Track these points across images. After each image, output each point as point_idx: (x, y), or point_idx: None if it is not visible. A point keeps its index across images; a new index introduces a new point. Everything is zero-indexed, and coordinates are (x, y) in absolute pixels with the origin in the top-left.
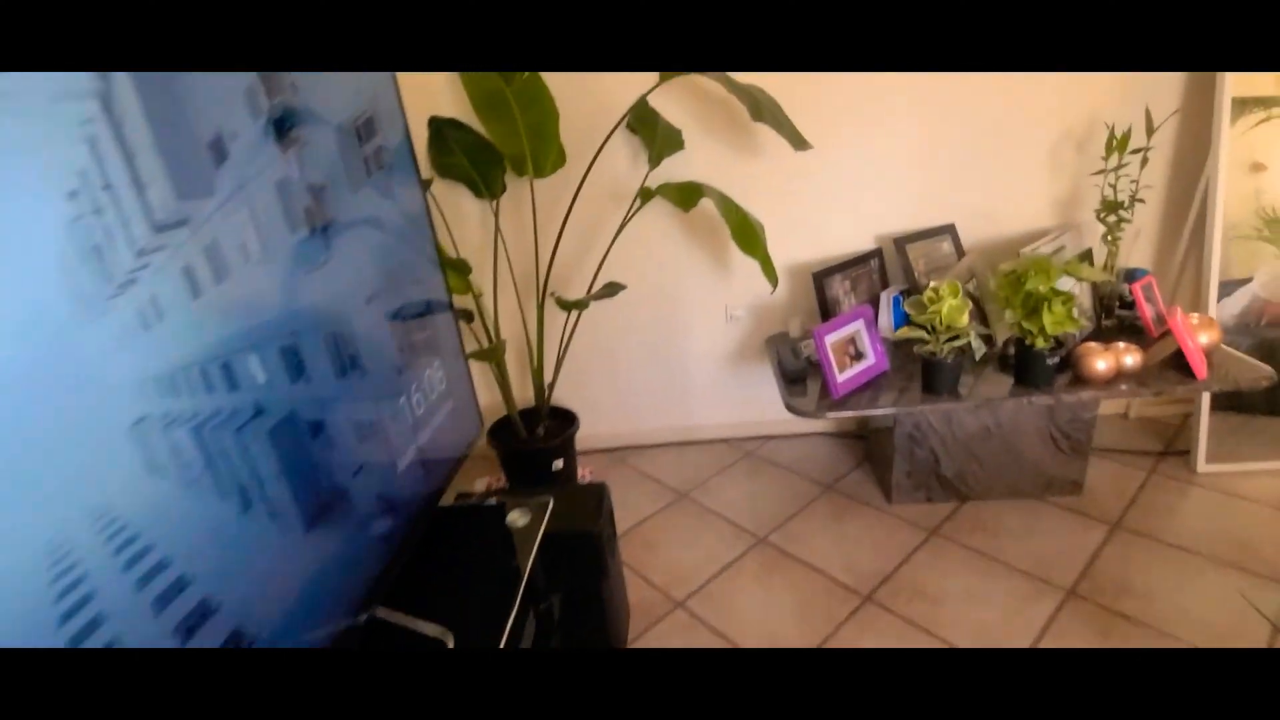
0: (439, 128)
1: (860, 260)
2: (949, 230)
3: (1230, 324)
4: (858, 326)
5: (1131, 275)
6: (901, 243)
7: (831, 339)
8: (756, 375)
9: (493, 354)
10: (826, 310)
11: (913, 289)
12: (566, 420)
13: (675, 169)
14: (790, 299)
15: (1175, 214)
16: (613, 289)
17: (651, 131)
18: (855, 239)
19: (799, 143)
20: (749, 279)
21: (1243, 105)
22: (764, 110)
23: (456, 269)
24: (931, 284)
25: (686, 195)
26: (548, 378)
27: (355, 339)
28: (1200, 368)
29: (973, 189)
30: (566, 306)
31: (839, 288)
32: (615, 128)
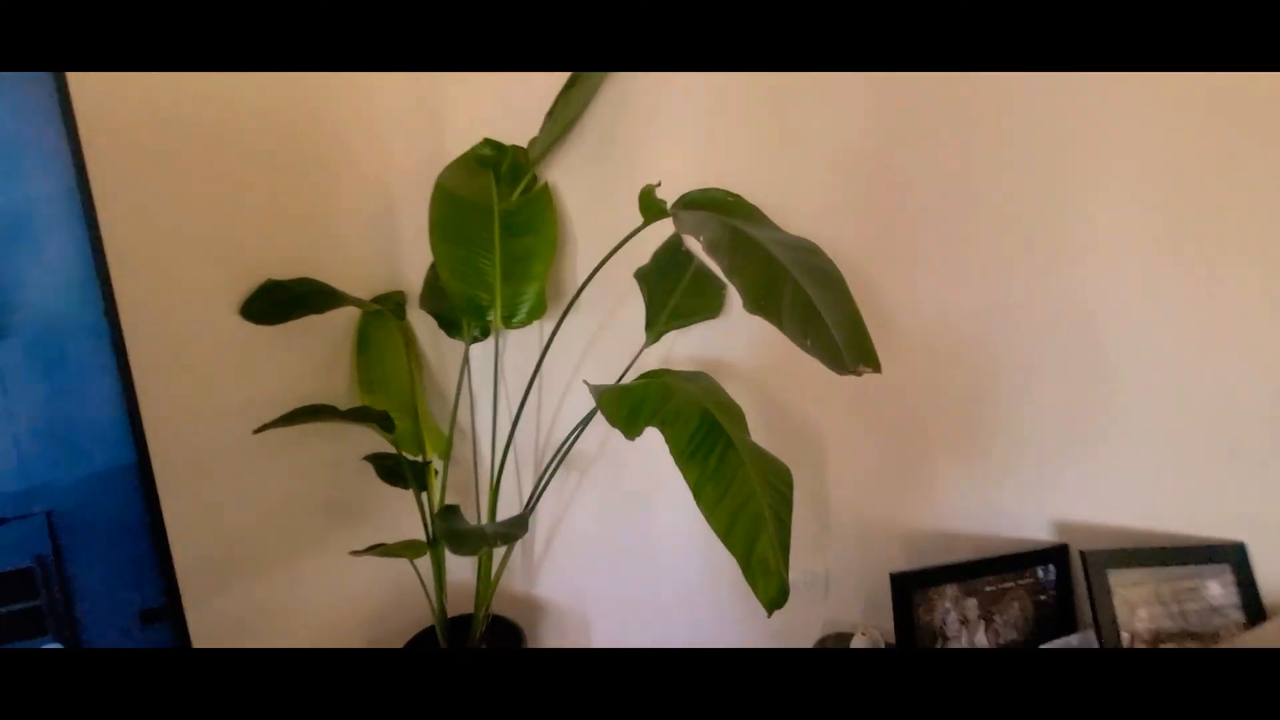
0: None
1: (1016, 563)
2: (1230, 555)
3: None
4: None
5: None
6: (1103, 561)
7: None
8: None
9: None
10: (915, 641)
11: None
12: (509, 635)
13: (698, 345)
14: (878, 582)
15: None
16: (516, 529)
17: (670, 280)
18: (1018, 520)
19: (859, 357)
20: (818, 531)
21: None
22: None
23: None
24: None
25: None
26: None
27: None
28: None
29: None
30: (460, 546)
31: (955, 605)
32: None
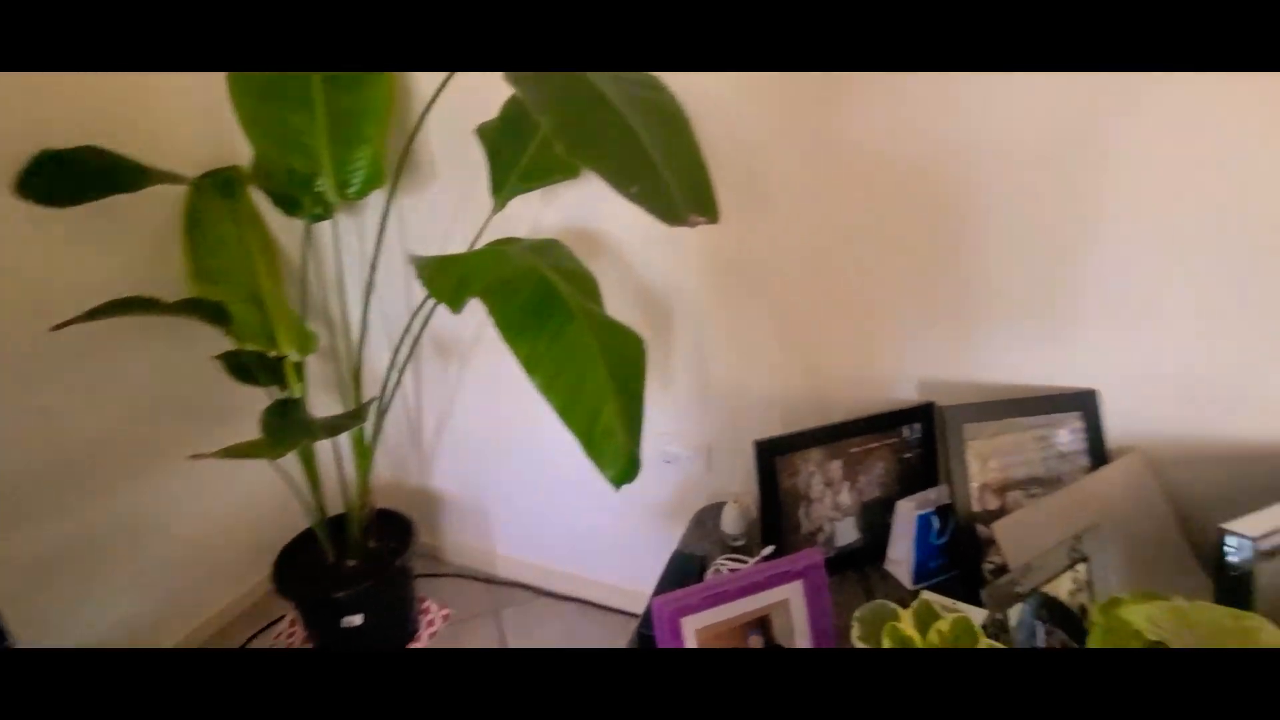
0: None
1: (882, 424)
2: (1081, 403)
3: None
4: (782, 595)
5: None
6: (960, 416)
7: (701, 623)
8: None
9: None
10: (780, 512)
11: (954, 509)
12: (400, 531)
13: (556, 211)
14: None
15: None
16: (349, 420)
17: (520, 137)
18: (890, 382)
19: (694, 206)
20: (699, 402)
21: None
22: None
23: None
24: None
25: (514, 272)
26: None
27: None
28: None
29: (1164, 330)
30: (278, 441)
31: (819, 469)
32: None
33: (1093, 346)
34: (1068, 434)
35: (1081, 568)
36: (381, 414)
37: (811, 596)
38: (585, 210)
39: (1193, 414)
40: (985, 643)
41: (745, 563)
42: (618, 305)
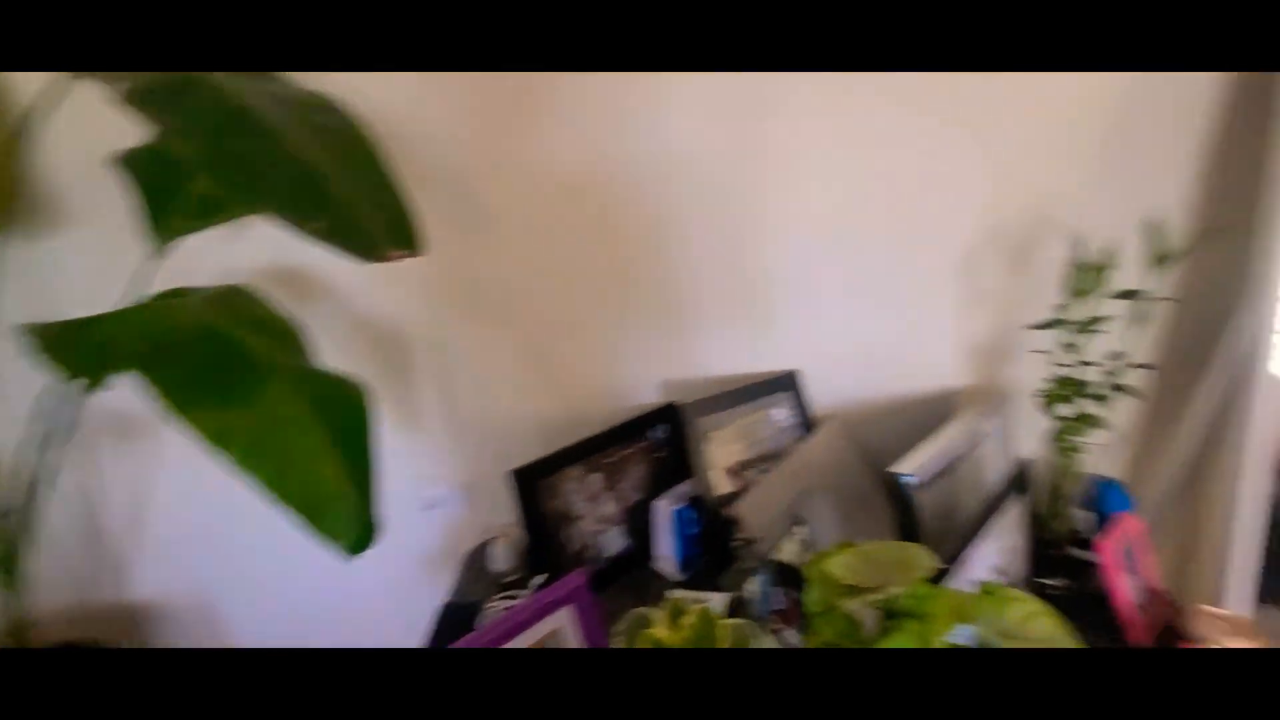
0: None
1: (631, 430)
2: (787, 383)
3: None
4: (553, 625)
5: (1103, 497)
6: (694, 411)
7: None
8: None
9: None
10: (547, 536)
11: (704, 498)
12: None
13: (251, 249)
14: None
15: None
16: None
17: (181, 167)
18: (634, 388)
19: (393, 238)
20: (453, 439)
21: None
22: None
23: None
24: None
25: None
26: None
27: None
28: None
29: (839, 312)
30: None
31: (580, 485)
32: None
33: (788, 331)
34: (782, 411)
35: (801, 529)
36: (24, 526)
37: (582, 620)
38: (287, 247)
39: (873, 379)
40: (723, 628)
41: (517, 599)
42: (340, 351)
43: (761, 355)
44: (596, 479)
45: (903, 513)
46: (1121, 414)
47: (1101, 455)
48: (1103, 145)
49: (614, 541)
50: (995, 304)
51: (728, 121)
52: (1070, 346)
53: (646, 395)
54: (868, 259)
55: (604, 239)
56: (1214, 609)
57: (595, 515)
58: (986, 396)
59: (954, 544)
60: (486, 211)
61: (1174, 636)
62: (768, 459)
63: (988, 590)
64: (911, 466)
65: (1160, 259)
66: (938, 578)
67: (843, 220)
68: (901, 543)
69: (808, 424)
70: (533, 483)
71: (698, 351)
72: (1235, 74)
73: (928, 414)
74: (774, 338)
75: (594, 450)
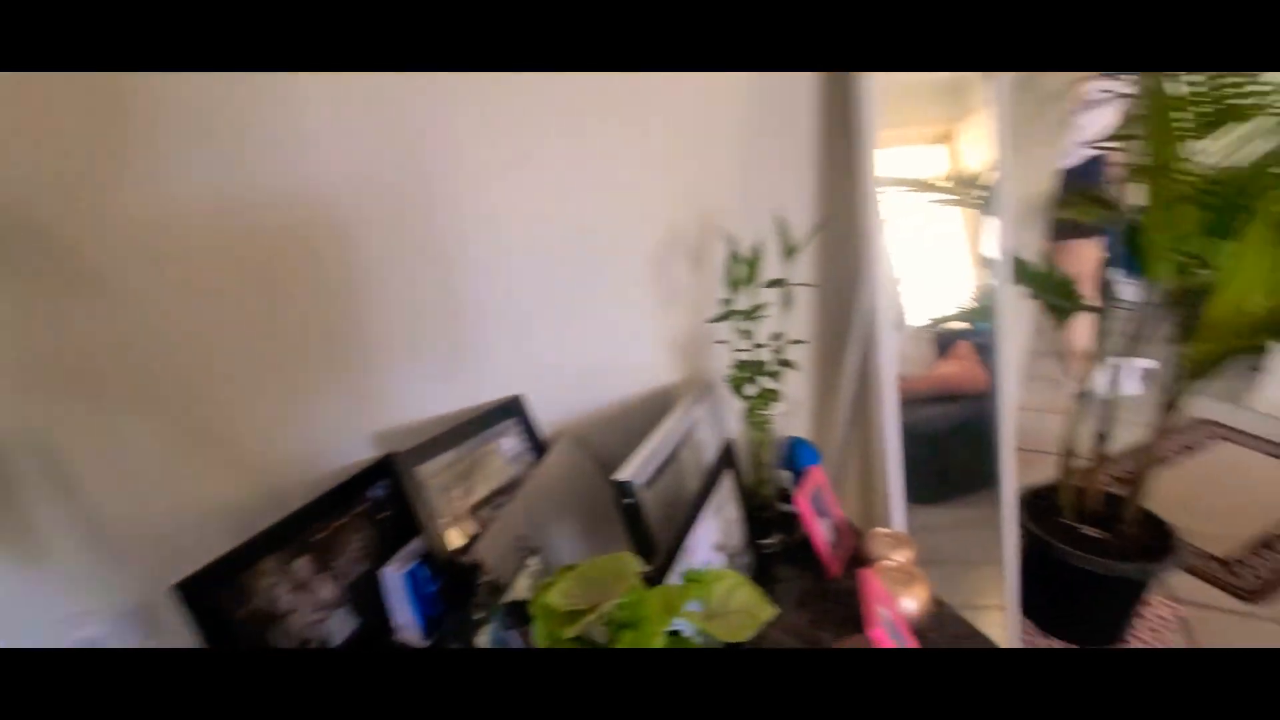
0: None
1: (343, 495)
2: (513, 409)
3: None
4: None
5: (795, 456)
6: (411, 460)
7: None
8: None
9: None
10: (237, 640)
11: (436, 551)
12: None
13: None
14: None
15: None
16: None
17: None
18: (342, 446)
19: None
20: (103, 562)
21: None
22: None
23: None
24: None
25: None
26: None
27: None
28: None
29: (549, 329)
30: None
31: (281, 576)
32: None
33: (503, 357)
34: (511, 440)
35: (534, 560)
36: None
37: None
38: None
39: (593, 389)
40: None
41: None
42: None
43: (482, 386)
44: (304, 563)
45: (629, 516)
46: (793, 384)
47: (787, 420)
48: (740, 146)
49: (341, 626)
50: (685, 303)
51: (395, 134)
52: (744, 333)
53: (359, 452)
54: (566, 273)
55: (269, 287)
56: (883, 529)
57: (310, 604)
58: (694, 387)
59: (680, 530)
60: (92, 269)
61: (857, 562)
62: (506, 491)
63: (691, 578)
64: (630, 470)
65: (789, 250)
66: (663, 570)
67: (534, 241)
68: (614, 554)
69: (540, 447)
70: (209, 592)
71: (410, 395)
72: (824, 74)
73: (651, 413)
74: (490, 366)
75: (297, 528)
